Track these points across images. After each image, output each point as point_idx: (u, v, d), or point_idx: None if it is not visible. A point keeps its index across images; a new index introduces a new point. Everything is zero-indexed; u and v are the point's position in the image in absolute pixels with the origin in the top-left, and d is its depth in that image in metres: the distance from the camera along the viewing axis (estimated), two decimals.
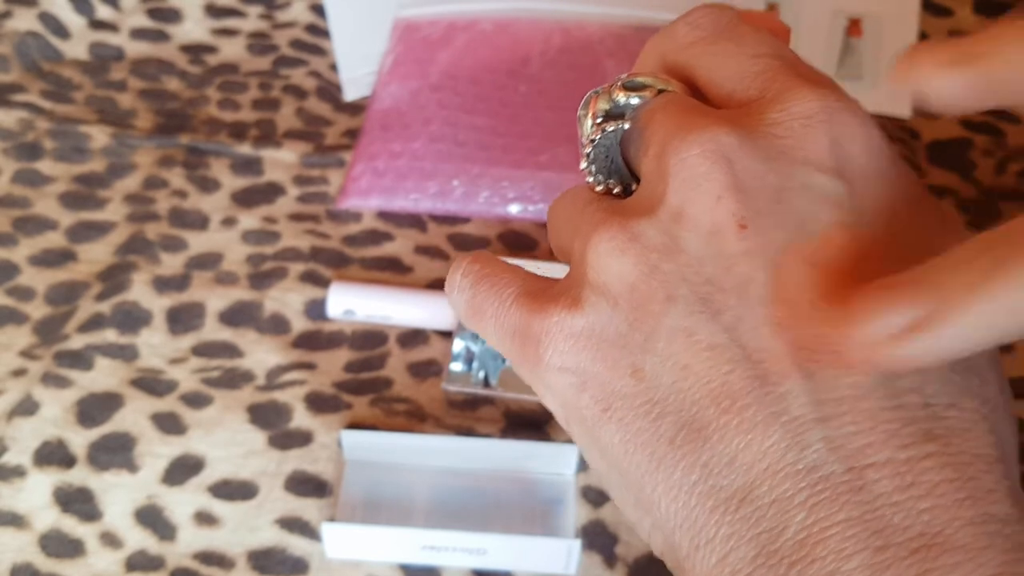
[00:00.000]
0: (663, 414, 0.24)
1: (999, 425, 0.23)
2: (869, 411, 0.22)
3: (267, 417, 0.52)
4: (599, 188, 0.28)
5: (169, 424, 0.52)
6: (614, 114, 0.28)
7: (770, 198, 0.24)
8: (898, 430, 0.22)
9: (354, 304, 0.57)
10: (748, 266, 0.24)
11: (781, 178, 0.24)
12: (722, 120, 0.25)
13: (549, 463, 0.50)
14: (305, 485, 0.50)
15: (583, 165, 0.28)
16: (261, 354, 0.55)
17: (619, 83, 0.28)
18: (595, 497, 0.49)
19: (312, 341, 0.56)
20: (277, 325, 0.57)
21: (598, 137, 0.27)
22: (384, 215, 0.63)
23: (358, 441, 0.50)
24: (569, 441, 0.50)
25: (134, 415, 0.52)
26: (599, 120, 0.27)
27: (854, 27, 0.69)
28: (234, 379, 0.54)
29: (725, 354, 0.23)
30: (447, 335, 0.56)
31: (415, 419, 0.52)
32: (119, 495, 0.49)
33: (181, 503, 0.49)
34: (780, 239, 0.23)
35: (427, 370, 0.55)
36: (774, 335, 0.23)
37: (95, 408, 0.52)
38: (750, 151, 0.24)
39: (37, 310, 0.58)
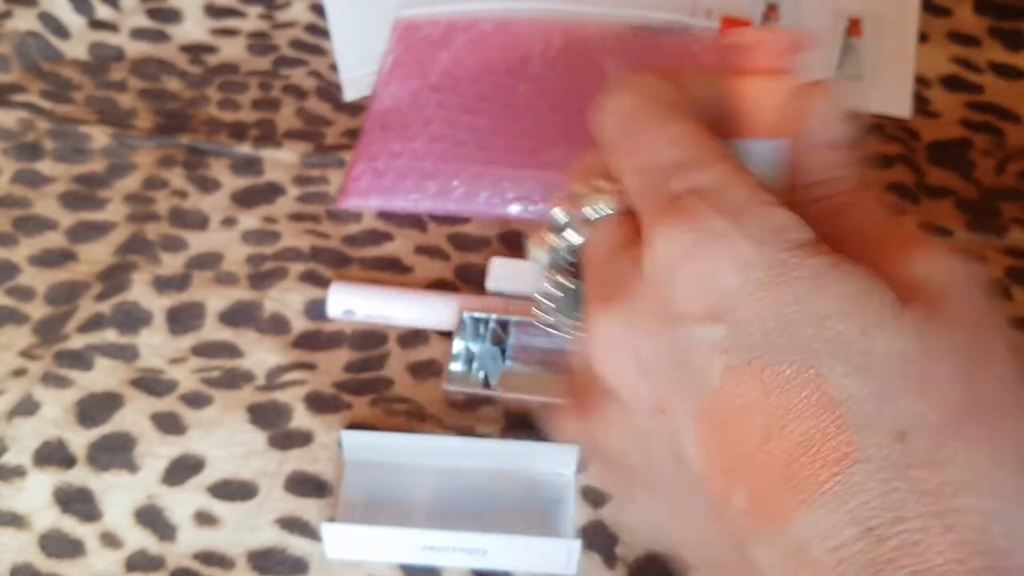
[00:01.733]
0: None
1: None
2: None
3: (267, 417, 0.52)
4: (558, 330, 0.28)
5: (169, 424, 0.52)
6: (557, 261, 0.28)
7: (672, 368, 0.24)
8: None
9: (354, 304, 0.57)
10: (677, 446, 0.24)
11: (671, 343, 0.24)
12: (612, 310, 0.25)
13: (549, 463, 0.50)
14: (305, 485, 0.50)
15: (538, 312, 0.28)
16: (261, 354, 0.55)
17: (547, 226, 0.28)
18: (595, 497, 0.49)
19: (312, 341, 0.56)
20: (277, 325, 0.57)
21: (550, 288, 0.28)
22: (384, 215, 0.63)
23: (358, 441, 0.50)
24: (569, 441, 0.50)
25: (134, 415, 0.52)
26: (546, 273, 0.28)
27: (854, 27, 0.69)
28: (234, 379, 0.54)
29: None
30: (447, 335, 0.56)
31: (415, 419, 0.52)
32: (119, 495, 0.49)
33: (181, 503, 0.49)
34: (692, 407, 0.23)
35: (427, 370, 0.55)
36: (718, 510, 0.23)
37: (95, 408, 0.52)
38: (640, 332, 0.24)
39: (37, 310, 0.58)
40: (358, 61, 0.71)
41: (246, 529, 0.48)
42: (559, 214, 0.27)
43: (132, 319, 0.57)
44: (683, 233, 0.23)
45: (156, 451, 0.51)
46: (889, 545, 0.20)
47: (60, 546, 0.47)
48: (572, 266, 0.28)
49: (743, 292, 0.22)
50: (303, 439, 0.51)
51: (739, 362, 0.22)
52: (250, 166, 0.66)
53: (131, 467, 0.50)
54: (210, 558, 0.47)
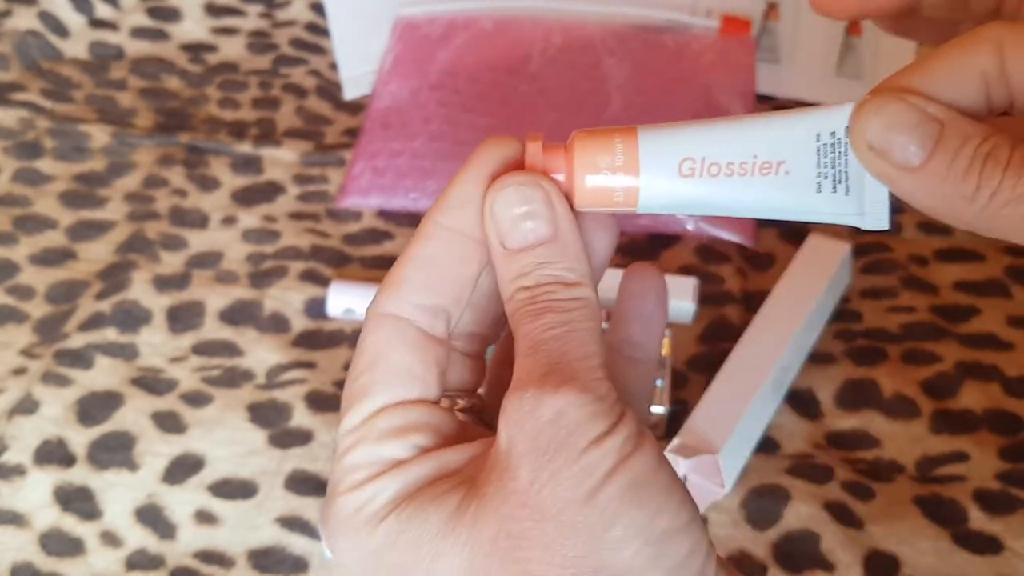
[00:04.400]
0: None
1: None
2: None
3: (267, 416, 0.52)
4: None
5: (169, 423, 0.52)
6: None
7: None
8: None
9: (354, 303, 0.57)
10: None
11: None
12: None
13: None
14: (305, 484, 0.50)
15: None
16: (261, 353, 0.55)
17: None
18: None
19: (312, 340, 0.56)
20: (277, 324, 0.57)
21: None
22: (384, 214, 0.63)
23: None
24: None
25: (134, 414, 0.52)
26: None
27: (854, 27, 0.69)
28: (234, 378, 0.54)
29: None
30: None
31: None
32: (119, 494, 0.49)
33: (181, 502, 0.49)
34: None
35: None
36: None
37: (95, 407, 0.52)
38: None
39: (37, 309, 0.58)
40: (358, 60, 0.71)
41: (246, 528, 0.48)
42: None
43: (132, 318, 0.57)
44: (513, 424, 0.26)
45: (156, 450, 0.51)
46: None
47: (60, 545, 0.47)
48: None
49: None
50: (303, 438, 0.51)
51: None
52: (250, 165, 0.66)
53: (131, 466, 0.50)
54: (210, 557, 0.47)
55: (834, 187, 0.26)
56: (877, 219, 0.27)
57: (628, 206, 0.27)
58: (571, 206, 0.27)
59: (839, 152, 0.26)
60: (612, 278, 0.57)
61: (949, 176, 0.24)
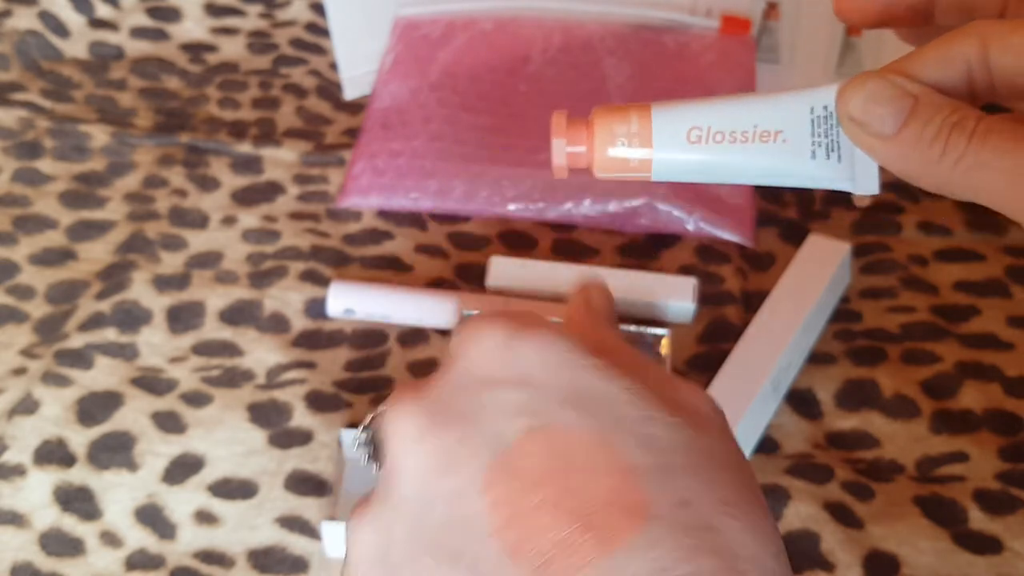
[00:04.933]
0: None
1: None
2: None
3: (267, 416, 0.52)
4: (375, 469, 0.30)
5: (169, 423, 0.52)
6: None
7: (464, 424, 0.26)
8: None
9: (354, 303, 0.57)
10: (463, 506, 0.25)
11: (467, 403, 0.26)
12: (412, 385, 0.28)
13: None
14: (305, 484, 0.50)
15: (355, 449, 0.30)
16: (261, 353, 0.55)
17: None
18: None
19: (312, 340, 0.56)
20: (277, 324, 0.57)
21: (369, 420, 0.29)
22: (384, 214, 0.63)
23: None
24: None
25: (134, 414, 0.52)
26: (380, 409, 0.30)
27: (854, 27, 0.69)
28: (234, 378, 0.54)
29: None
30: (447, 334, 0.56)
31: None
32: (119, 494, 0.49)
33: (181, 502, 0.49)
34: (481, 462, 0.25)
35: (427, 369, 0.55)
36: (514, 563, 0.24)
37: (95, 407, 0.52)
38: (434, 393, 0.27)
39: (37, 309, 0.58)
40: (358, 60, 0.71)
41: (246, 528, 0.48)
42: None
43: (132, 318, 0.57)
44: (503, 318, 0.27)
45: (156, 450, 0.51)
46: None
47: (60, 545, 0.47)
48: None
49: (544, 367, 0.26)
50: (303, 438, 0.51)
51: (537, 423, 0.25)
52: (250, 165, 0.66)
53: (131, 466, 0.50)
54: (210, 557, 0.47)
55: (827, 155, 0.30)
56: (867, 184, 0.30)
57: (643, 172, 0.30)
58: (592, 173, 0.31)
59: (831, 124, 0.29)
60: (613, 278, 0.57)
61: (919, 143, 0.27)
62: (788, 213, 0.63)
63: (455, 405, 0.26)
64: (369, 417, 0.29)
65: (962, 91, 0.28)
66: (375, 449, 0.29)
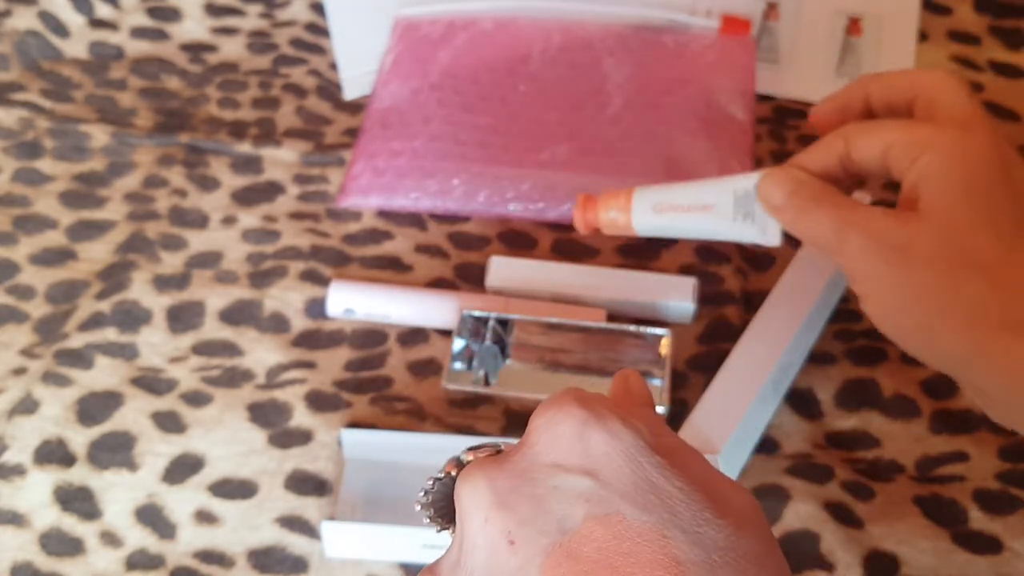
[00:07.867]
0: None
1: None
2: None
3: (267, 416, 0.52)
4: (436, 529, 0.33)
5: (169, 423, 0.52)
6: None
7: (530, 507, 0.28)
8: None
9: (354, 303, 0.57)
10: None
11: (535, 486, 0.29)
12: (486, 461, 0.30)
13: None
14: (305, 484, 0.50)
15: (418, 508, 0.33)
16: (261, 353, 0.55)
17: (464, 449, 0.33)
18: None
19: (312, 340, 0.56)
20: (277, 324, 0.57)
21: (431, 485, 0.32)
22: (384, 214, 0.63)
23: (358, 440, 0.50)
24: None
25: (134, 414, 0.52)
26: (439, 474, 0.32)
27: (854, 26, 0.69)
28: (234, 378, 0.54)
29: None
30: (447, 334, 0.56)
31: (415, 418, 0.52)
32: (119, 494, 0.49)
33: (181, 502, 0.49)
34: (545, 543, 0.28)
35: (427, 369, 0.55)
36: None
37: (95, 407, 0.52)
38: (507, 471, 0.29)
39: (37, 309, 0.58)
40: (358, 60, 0.71)
41: (246, 528, 0.48)
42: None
43: (132, 318, 0.57)
44: (577, 406, 0.30)
45: (156, 450, 0.51)
46: None
47: (60, 545, 0.47)
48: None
49: (611, 459, 0.29)
50: (303, 438, 0.51)
51: (600, 511, 0.28)
52: (250, 165, 0.66)
53: (131, 466, 0.50)
54: (210, 557, 0.47)
55: (744, 219, 0.45)
56: (773, 238, 0.45)
57: (628, 231, 0.48)
58: (597, 229, 0.49)
59: (750, 199, 0.45)
60: (613, 278, 0.57)
61: (796, 210, 0.42)
62: None
63: (527, 486, 0.29)
64: (433, 479, 0.32)
65: (838, 174, 0.42)
66: (436, 511, 0.32)
